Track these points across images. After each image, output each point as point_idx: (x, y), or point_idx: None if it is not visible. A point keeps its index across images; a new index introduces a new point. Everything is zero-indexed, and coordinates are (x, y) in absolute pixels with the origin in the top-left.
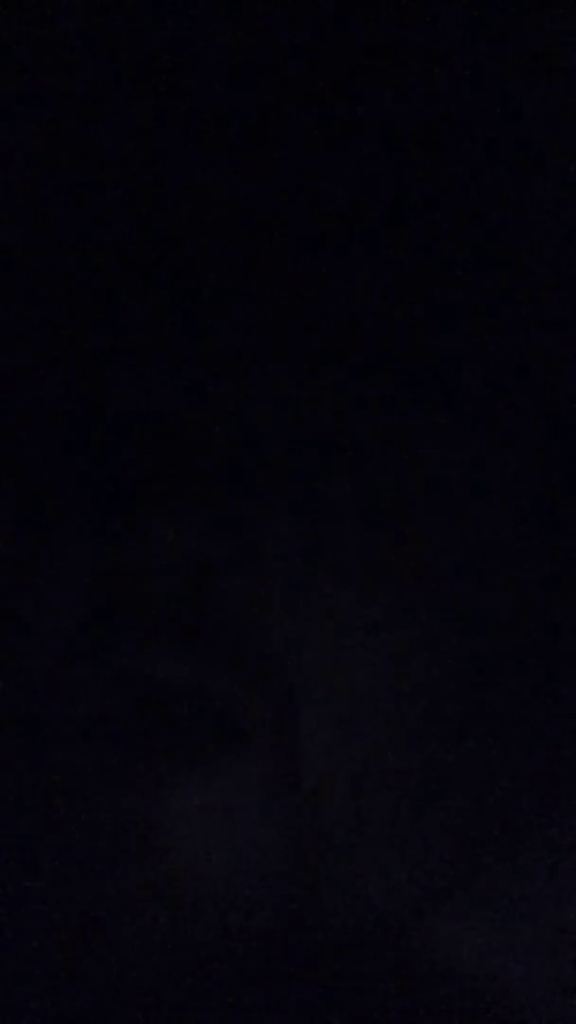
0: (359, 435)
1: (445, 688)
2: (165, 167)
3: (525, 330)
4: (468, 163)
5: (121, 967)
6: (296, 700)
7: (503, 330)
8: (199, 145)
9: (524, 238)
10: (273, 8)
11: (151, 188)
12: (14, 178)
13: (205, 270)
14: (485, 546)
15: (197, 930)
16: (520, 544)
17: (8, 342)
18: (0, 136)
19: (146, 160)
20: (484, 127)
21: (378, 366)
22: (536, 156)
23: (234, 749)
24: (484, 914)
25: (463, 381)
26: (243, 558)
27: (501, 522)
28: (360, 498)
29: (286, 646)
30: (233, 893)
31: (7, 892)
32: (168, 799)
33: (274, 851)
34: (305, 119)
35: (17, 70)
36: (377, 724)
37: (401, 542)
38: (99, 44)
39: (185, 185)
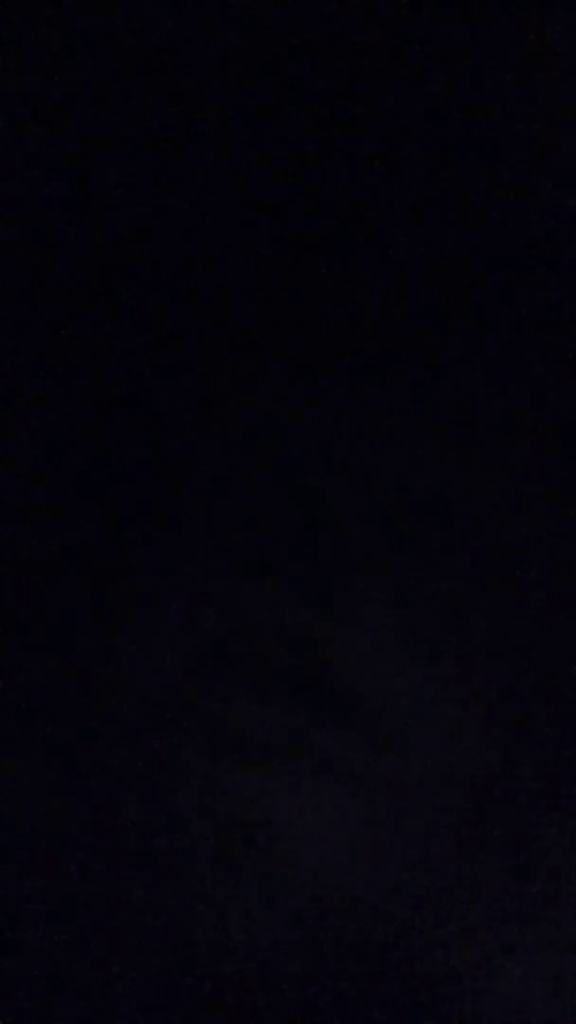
0: (456, 516)
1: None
2: (165, 170)
3: (525, 331)
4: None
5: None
6: (389, 745)
7: (503, 331)
8: (199, 147)
9: (524, 238)
10: (273, 8)
11: (151, 189)
12: (14, 178)
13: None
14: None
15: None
16: None
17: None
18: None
19: (146, 162)
20: (484, 127)
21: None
22: (536, 156)
23: (334, 787)
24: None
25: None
26: (344, 624)
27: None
28: (450, 574)
29: (382, 699)
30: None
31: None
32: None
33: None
34: (305, 119)
35: (17, 70)
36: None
37: (485, 611)
38: (99, 44)
39: (185, 185)
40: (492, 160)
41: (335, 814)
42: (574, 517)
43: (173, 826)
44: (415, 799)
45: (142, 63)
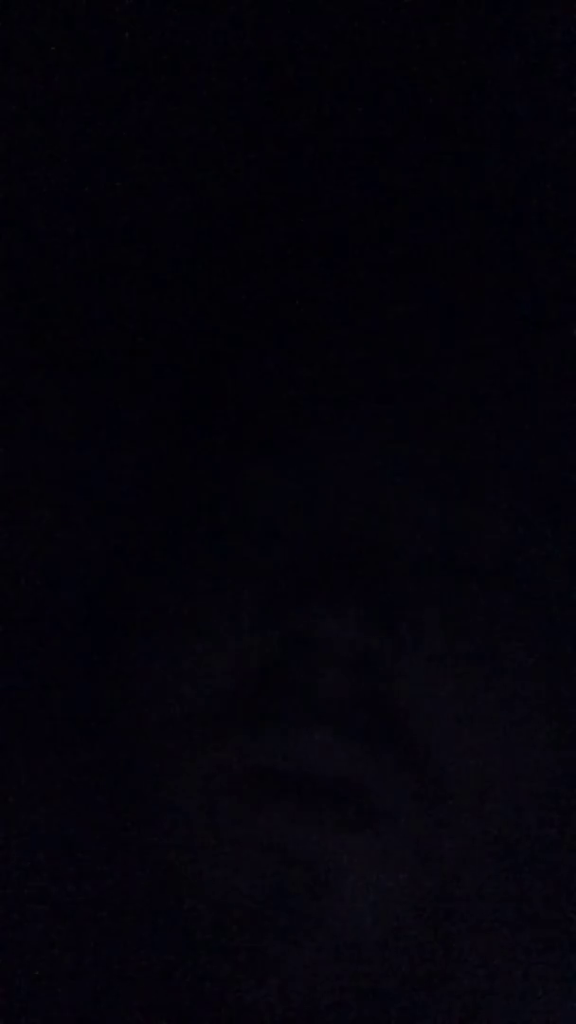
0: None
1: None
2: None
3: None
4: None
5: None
6: (440, 782)
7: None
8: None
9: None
10: (273, 8)
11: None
12: (14, 179)
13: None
14: None
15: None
16: None
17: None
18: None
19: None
20: (484, 127)
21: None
22: (536, 156)
23: (377, 826)
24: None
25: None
26: (397, 649)
27: None
28: (489, 596)
29: (431, 731)
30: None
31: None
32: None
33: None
34: (304, 119)
35: (17, 70)
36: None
37: (526, 629)
38: (99, 43)
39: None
40: (492, 160)
41: (379, 868)
42: None
43: (199, 860)
44: (466, 858)
45: (142, 63)
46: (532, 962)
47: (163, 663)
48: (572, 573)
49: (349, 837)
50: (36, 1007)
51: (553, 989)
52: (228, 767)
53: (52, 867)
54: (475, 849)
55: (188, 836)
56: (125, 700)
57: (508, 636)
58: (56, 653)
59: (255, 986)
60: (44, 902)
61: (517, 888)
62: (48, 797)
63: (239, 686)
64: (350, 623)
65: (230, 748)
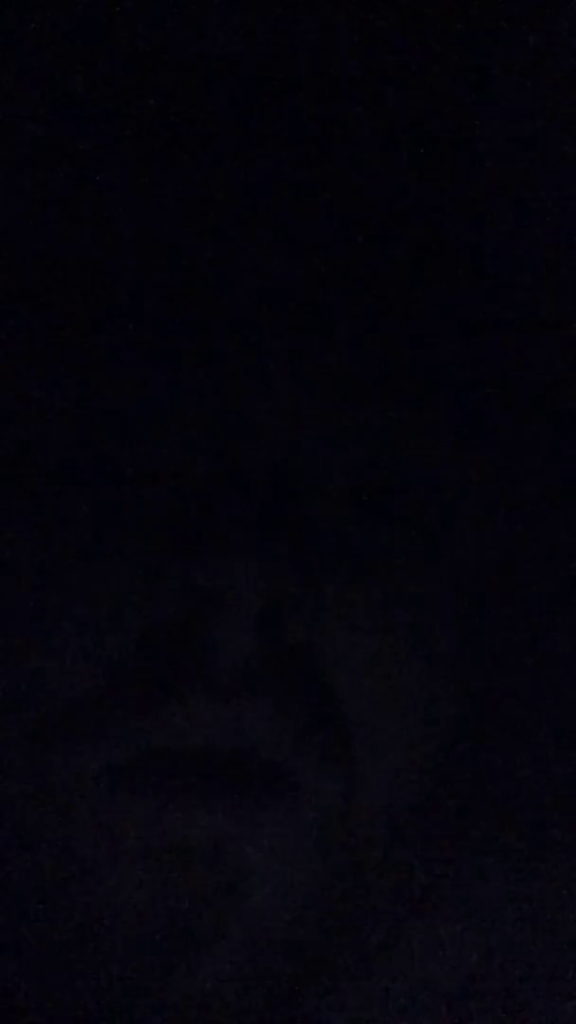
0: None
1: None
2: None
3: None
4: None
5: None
6: (349, 745)
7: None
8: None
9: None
10: (273, 8)
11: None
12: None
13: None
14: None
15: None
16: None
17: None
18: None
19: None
20: (484, 128)
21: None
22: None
23: (285, 799)
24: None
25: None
26: (307, 599)
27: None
28: (414, 536)
29: (341, 690)
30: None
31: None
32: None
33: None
34: (304, 119)
35: (17, 70)
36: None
37: (458, 583)
38: (99, 43)
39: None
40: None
41: (290, 846)
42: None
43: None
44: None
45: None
46: (437, 925)
47: (25, 644)
48: (489, 512)
49: (258, 816)
50: None
51: (469, 951)
52: (118, 759)
53: None
54: (387, 816)
55: (83, 852)
56: None
57: (422, 582)
58: None
59: (171, 994)
60: None
61: (430, 855)
62: None
63: (125, 657)
64: (254, 571)
65: (119, 735)
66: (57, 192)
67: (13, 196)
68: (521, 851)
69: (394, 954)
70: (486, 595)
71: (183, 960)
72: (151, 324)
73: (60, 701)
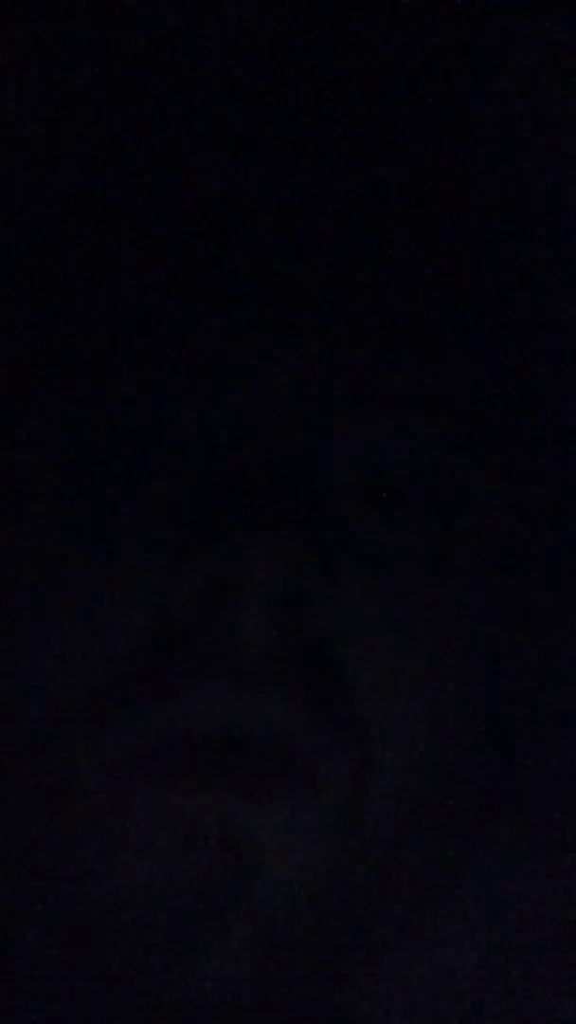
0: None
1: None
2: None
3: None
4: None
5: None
6: (367, 743)
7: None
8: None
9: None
10: (273, 8)
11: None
12: (14, 180)
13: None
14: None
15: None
16: None
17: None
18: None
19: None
20: (484, 128)
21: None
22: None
23: (298, 786)
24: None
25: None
26: (324, 590)
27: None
28: (431, 542)
29: (361, 682)
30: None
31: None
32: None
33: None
34: (304, 119)
35: (17, 70)
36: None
37: (471, 585)
38: (99, 44)
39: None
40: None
41: (306, 837)
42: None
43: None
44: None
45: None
46: (440, 920)
47: (47, 634)
48: (505, 507)
49: (270, 803)
50: None
51: (469, 946)
52: (134, 745)
53: None
54: (400, 809)
55: (99, 837)
56: (5, 692)
57: (436, 575)
58: None
59: (184, 984)
60: None
61: (443, 850)
62: None
63: (145, 643)
64: (274, 561)
65: (135, 721)
66: (57, 192)
67: (14, 196)
68: (521, 850)
69: (396, 951)
70: (500, 589)
71: (190, 953)
72: (182, 319)
73: (79, 687)
